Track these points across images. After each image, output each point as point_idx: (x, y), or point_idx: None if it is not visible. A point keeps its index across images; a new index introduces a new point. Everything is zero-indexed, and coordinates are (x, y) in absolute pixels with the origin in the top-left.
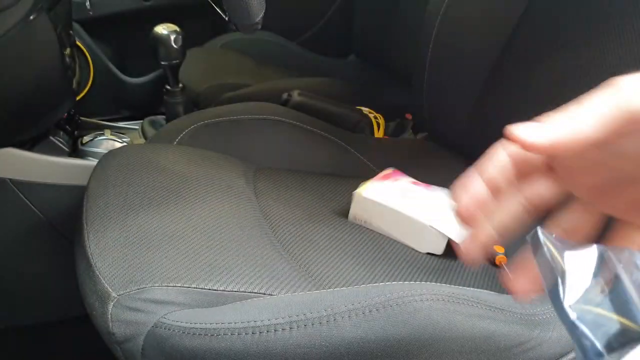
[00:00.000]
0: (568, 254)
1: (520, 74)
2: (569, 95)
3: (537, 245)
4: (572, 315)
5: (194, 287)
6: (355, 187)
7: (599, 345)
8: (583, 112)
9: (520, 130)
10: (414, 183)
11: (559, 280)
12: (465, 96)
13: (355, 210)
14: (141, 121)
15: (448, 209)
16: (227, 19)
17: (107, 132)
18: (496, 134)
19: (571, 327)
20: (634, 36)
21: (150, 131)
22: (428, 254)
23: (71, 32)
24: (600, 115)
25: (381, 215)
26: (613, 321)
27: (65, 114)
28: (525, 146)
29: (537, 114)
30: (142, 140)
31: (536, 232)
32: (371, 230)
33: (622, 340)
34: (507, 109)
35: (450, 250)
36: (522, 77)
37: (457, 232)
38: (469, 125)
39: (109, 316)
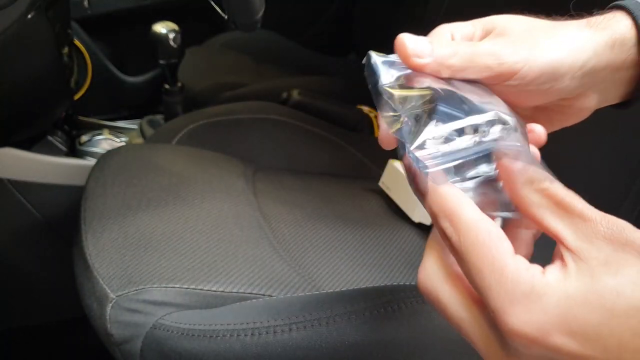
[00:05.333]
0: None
1: None
2: None
3: (369, 64)
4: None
5: (193, 288)
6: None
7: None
8: (462, 56)
9: (409, 41)
10: None
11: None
12: None
13: (385, 178)
14: (140, 120)
15: None
16: (226, 17)
17: (105, 131)
18: None
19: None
20: None
21: (148, 130)
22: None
23: (69, 30)
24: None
25: (399, 184)
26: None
27: (63, 114)
28: (408, 63)
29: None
30: (140, 140)
31: (369, 55)
32: (371, 230)
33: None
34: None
35: None
36: None
37: None
38: None
39: (107, 317)
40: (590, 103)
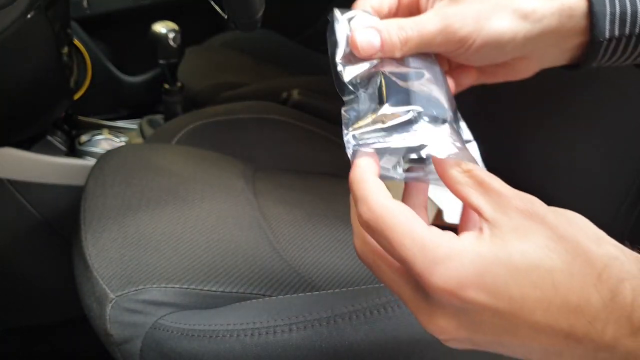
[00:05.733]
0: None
1: None
2: (568, 88)
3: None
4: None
5: (193, 288)
6: None
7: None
8: (413, 46)
9: (359, 35)
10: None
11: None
12: (465, 93)
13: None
14: (139, 120)
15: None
16: (226, 17)
17: (105, 131)
18: (497, 134)
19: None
20: None
21: (148, 130)
22: None
23: (69, 30)
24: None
25: (399, 184)
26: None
27: (63, 113)
28: (360, 55)
29: (537, 112)
30: (140, 140)
31: (333, 11)
32: None
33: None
34: (508, 106)
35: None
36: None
37: (449, 207)
38: (470, 124)
39: (107, 317)
40: (535, 64)
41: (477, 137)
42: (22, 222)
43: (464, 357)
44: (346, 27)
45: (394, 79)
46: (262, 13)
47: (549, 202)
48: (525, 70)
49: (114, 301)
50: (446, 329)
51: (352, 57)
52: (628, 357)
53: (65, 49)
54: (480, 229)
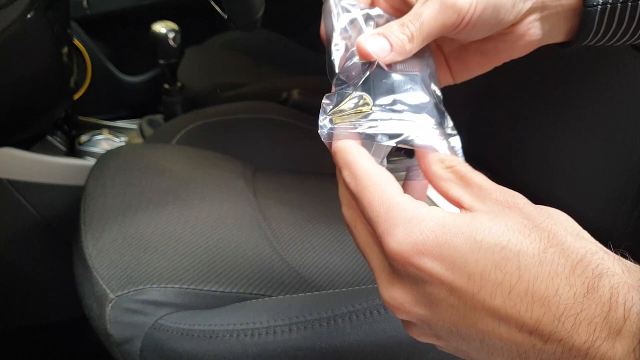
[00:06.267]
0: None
1: (521, 72)
2: (568, 89)
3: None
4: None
5: (193, 289)
6: None
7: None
8: (418, 33)
9: (369, 47)
10: None
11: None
12: (466, 94)
13: None
14: (139, 120)
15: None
16: (226, 17)
17: (105, 131)
18: (497, 135)
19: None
20: None
21: (148, 130)
22: None
23: (69, 30)
24: (430, 32)
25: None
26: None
27: (63, 113)
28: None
29: (536, 112)
30: (140, 140)
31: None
32: None
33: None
34: (508, 107)
35: None
36: (524, 75)
37: (449, 207)
38: (471, 124)
39: (107, 318)
40: (535, 34)
41: (477, 138)
42: (22, 222)
43: None
44: (342, 13)
45: (380, 68)
46: (262, 13)
47: (549, 202)
48: (525, 45)
49: (113, 301)
50: (402, 303)
51: (346, 49)
52: None
53: (65, 49)
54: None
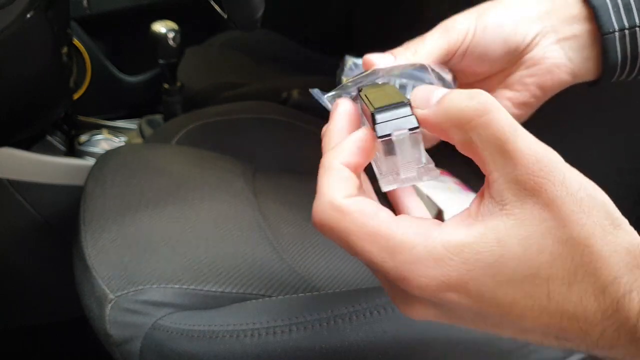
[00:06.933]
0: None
1: None
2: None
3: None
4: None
5: (192, 289)
6: None
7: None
8: (421, 49)
9: (375, 59)
10: (455, 183)
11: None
12: None
13: None
14: (139, 120)
15: (460, 200)
16: (226, 17)
17: (105, 131)
18: None
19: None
20: None
21: (148, 130)
22: None
23: (68, 30)
24: (432, 52)
25: None
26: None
27: (63, 113)
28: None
29: (540, 113)
30: (139, 140)
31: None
32: None
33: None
34: None
35: None
36: None
37: (450, 207)
38: None
39: (107, 318)
40: (559, 57)
41: None
42: (21, 222)
43: (466, 358)
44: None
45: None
46: (262, 13)
47: None
48: (549, 70)
49: (113, 301)
50: (425, 317)
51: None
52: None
53: (65, 49)
54: (480, 199)
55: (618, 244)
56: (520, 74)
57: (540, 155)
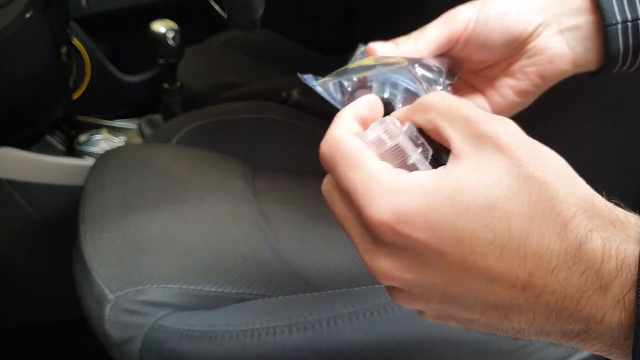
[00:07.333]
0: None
1: None
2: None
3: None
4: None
5: (192, 289)
6: None
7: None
8: (422, 38)
9: (378, 47)
10: None
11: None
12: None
13: None
14: (139, 120)
15: None
16: (225, 16)
17: (104, 131)
18: None
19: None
20: None
21: (147, 130)
22: None
23: (68, 30)
24: (433, 41)
25: None
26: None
27: (62, 113)
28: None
29: (539, 114)
30: (139, 140)
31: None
32: None
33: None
34: None
35: None
36: None
37: None
38: None
39: (106, 318)
40: (561, 48)
41: None
42: (21, 222)
43: (465, 358)
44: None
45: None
46: (262, 13)
47: None
48: (551, 60)
49: (113, 302)
50: (390, 270)
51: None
52: (595, 315)
53: (64, 49)
54: (445, 165)
55: (575, 190)
56: (522, 63)
57: (491, 115)
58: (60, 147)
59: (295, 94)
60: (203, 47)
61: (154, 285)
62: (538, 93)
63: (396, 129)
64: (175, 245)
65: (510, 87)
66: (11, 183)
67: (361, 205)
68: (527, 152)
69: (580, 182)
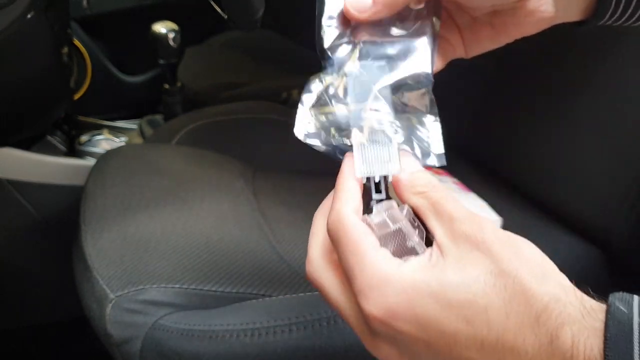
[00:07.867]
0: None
1: (522, 72)
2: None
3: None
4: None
5: (192, 289)
6: None
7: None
8: None
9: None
10: (455, 183)
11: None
12: (468, 95)
13: None
14: (139, 120)
15: (460, 200)
16: (226, 17)
17: (105, 131)
18: (500, 134)
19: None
20: None
21: (148, 130)
22: None
23: (68, 30)
24: None
25: None
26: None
27: (63, 114)
28: (350, 17)
29: (537, 113)
30: (140, 140)
31: None
32: None
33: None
34: (509, 107)
35: None
36: (524, 75)
37: None
38: (471, 125)
39: (107, 318)
40: (548, 11)
41: (477, 138)
42: (21, 222)
43: None
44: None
45: (369, 48)
46: (262, 13)
47: (550, 203)
48: (535, 23)
49: (113, 301)
50: (388, 356)
51: (337, 21)
52: None
53: (65, 49)
54: (430, 254)
55: (546, 280)
56: (505, 19)
57: (470, 215)
58: (61, 147)
59: (295, 94)
60: (203, 48)
61: (155, 285)
62: (510, 40)
63: (399, 214)
64: (175, 245)
65: (488, 36)
66: (12, 183)
67: (358, 292)
68: (501, 247)
69: (552, 271)
